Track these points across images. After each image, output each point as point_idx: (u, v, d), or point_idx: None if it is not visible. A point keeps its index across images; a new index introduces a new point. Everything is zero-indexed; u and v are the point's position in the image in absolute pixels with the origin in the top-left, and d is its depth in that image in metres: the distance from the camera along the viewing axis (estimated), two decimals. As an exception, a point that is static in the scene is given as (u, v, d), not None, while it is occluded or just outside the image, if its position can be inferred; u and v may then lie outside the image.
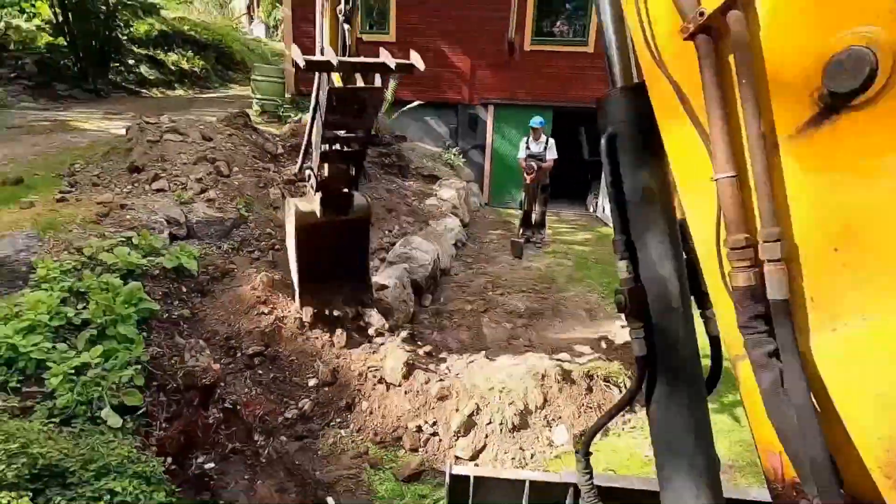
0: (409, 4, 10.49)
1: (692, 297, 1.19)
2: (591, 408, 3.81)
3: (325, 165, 3.53)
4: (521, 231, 8.06)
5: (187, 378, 3.68)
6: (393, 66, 2.90)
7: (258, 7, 27.58)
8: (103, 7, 11.48)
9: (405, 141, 10.95)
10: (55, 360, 3.16)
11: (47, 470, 2.31)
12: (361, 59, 3.00)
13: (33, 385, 3.09)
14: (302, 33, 10.96)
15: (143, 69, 13.46)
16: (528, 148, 7.79)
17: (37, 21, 11.77)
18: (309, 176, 3.79)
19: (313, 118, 3.43)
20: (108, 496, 2.34)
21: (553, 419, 3.69)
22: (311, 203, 3.80)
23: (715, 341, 1.23)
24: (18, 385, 3.03)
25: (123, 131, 6.46)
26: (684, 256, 1.17)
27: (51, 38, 11.33)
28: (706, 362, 1.26)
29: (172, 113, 9.37)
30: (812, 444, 0.80)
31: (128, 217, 4.64)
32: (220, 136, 6.49)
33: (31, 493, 2.10)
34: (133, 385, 3.33)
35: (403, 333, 4.73)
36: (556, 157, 7.76)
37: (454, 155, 10.79)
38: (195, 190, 5.39)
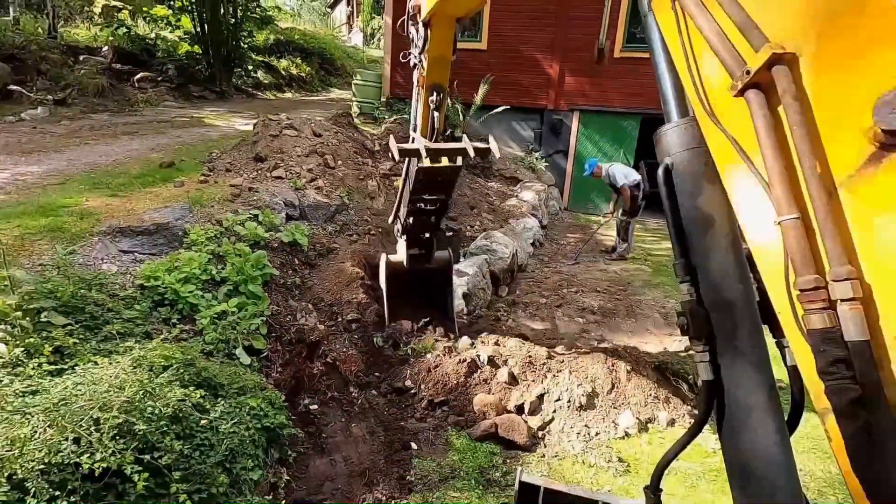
0: (501, 13, 10.92)
1: (766, 326, 1.16)
2: (658, 398, 3.95)
3: (411, 217, 4.24)
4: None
5: (298, 333, 4.34)
6: (472, 153, 3.40)
7: (357, 17, 29.50)
8: (232, 20, 13.11)
9: (489, 144, 11.36)
10: (204, 306, 3.93)
11: (206, 381, 2.97)
12: (445, 145, 3.53)
13: (187, 323, 3.86)
14: (399, 41, 11.80)
15: (260, 74, 15.10)
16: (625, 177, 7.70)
17: (179, 32, 13.69)
18: (396, 221, 4.52)
19: (404, 185, 4.10)
20: (247, 408, 2.95)
21: (620, 404, 3.89)
22: (399, 255, 4.54)
23: (794, 372, 1.17)
24: (177, 322, 3.81)
25: (248, 126, 7.49)
26: (755, 284, 1.15)
27: (189, 47, 13.13)
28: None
29: (286, 112, 10.56)
30: None
31: (254, 198, 5.47)
32: (328, 132, 7.31)
33: (202, 392, 2.74)
34: (259, 333, 4.02)
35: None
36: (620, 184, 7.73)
37: (536, 159, 11.03)
38: (306, 178, 6.17)
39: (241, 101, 12.80)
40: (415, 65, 3.50)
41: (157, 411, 2.44)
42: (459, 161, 3.57)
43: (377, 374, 4.25)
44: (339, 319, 4.59)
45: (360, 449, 3.57)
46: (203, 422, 2.66)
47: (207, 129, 8.70)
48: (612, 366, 4.08)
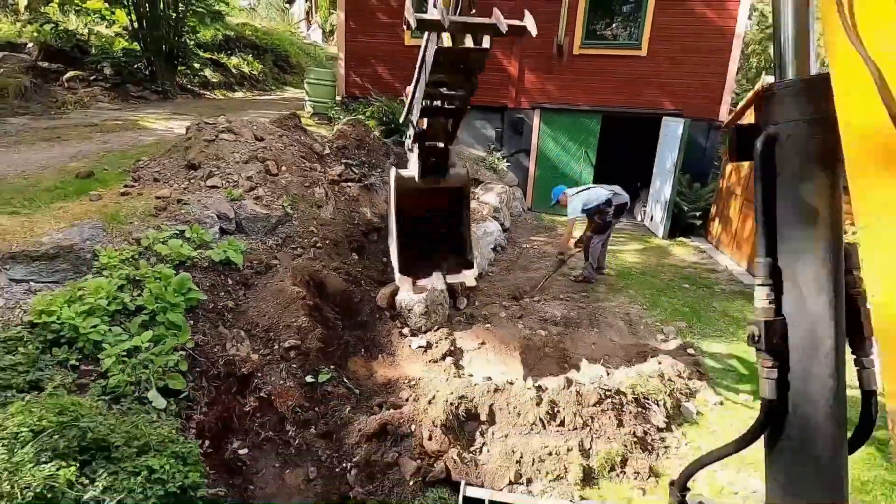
0: (458, 9, 10.54)
1: (847, 341, 1.01)
2: (622, 424, 3.68)
3: (425, 119, 3.54)
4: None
5: (227, 366, 3.87)
6: (504, 28, 2.74)
7: (316, 13, 28.60)
8: (173, 14, 12.27)
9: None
10: (110, 342, 3.40)
11: (94, 443, 2.48)
12: (472, 19, 2.86)
13: (90, 364, 3.34)
14: (354, 38, 11.28)
15: (208, 72, 14.25)
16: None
17: (115, 27, 12.74)
18: (408, 126, 3.85)
19: (419, 73, 3.32)
20: (147, 472, 2.49)
21: (586, 437, 3.59)
22: (411, 170, 3.90)
23: (868, 397, 1.04)
24: (77, 363, 3.27)
25: (185, 130, 6.87)
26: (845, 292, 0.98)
27: (126, 43, 12.21)
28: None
29: (232, 114, 9.88)
30: None
31: (182, 211, 4.92)
32: (271, 136, 6.77)
33: (78, 464, 2.27)
34: (178, 370, 3.53)
35: (437, 339, 4.77)
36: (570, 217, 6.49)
37: (498, 159, 10.73)
38: (245, 187, 5.65)
39: (186, 102, 11.99)
40: None
41: (15, 500, 1.96)
42: (486, 42, 2.88)
43: (317, 409, 3.81)
44: (276, 347, 4.13)
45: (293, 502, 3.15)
46: None
47: (141, 134, 8.00)
48: (577, 391, 3.78)
